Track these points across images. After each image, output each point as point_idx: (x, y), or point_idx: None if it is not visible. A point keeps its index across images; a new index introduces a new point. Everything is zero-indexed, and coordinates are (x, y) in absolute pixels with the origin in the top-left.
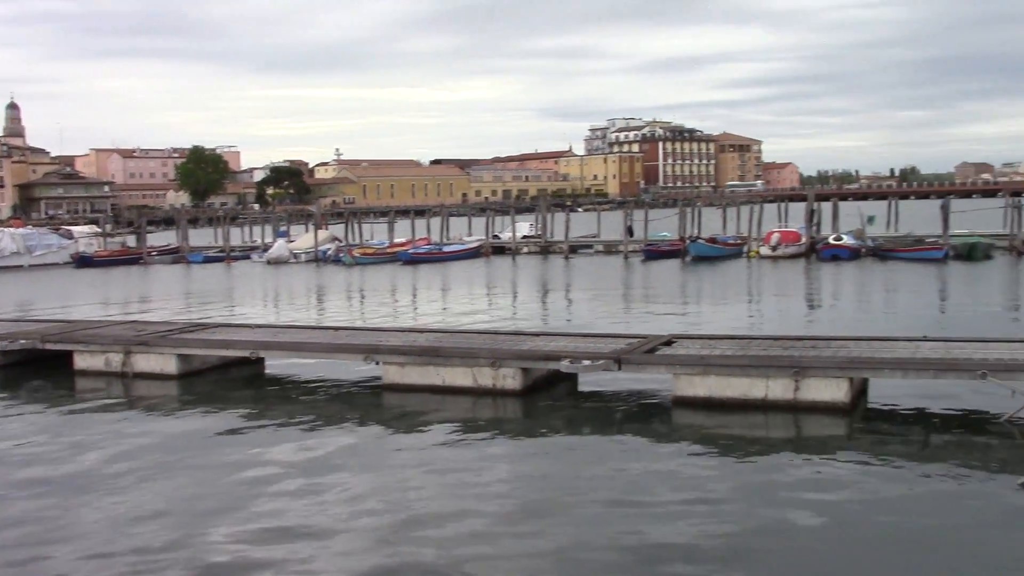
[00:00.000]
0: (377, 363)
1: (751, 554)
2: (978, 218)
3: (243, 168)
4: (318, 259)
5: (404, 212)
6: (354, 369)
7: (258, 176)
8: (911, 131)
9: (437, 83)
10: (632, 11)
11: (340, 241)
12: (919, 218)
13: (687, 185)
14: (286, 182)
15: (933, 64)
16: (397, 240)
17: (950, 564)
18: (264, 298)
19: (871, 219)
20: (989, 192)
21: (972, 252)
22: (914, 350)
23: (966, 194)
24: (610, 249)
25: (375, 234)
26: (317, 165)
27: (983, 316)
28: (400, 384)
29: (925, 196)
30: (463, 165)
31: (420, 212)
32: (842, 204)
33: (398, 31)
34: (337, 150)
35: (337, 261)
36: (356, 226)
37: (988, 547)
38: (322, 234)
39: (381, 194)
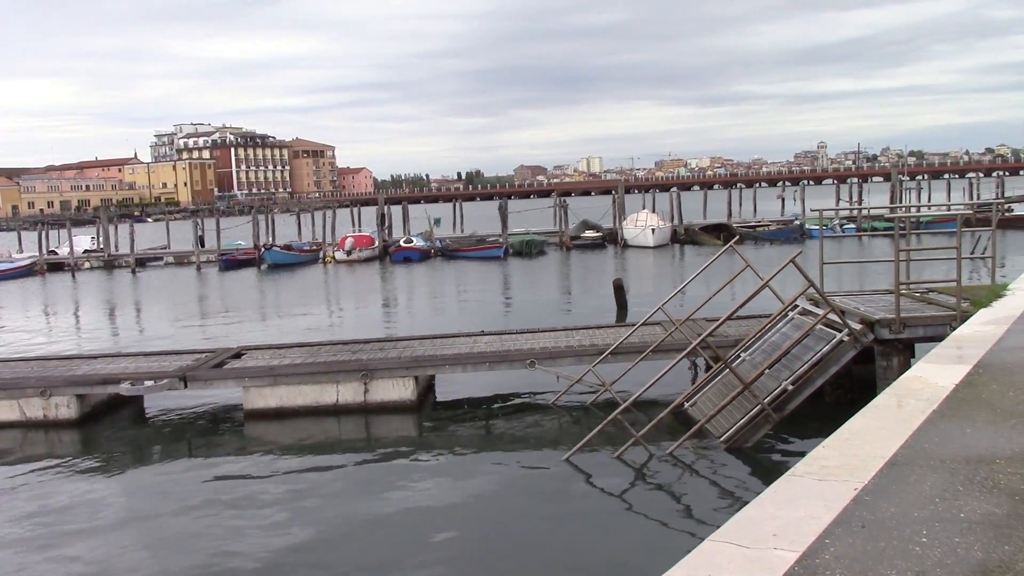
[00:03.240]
0: None
1: (334, 549)
2: (532, 217)
3: None
4: None
5: None
6: None
7: None
8: (473, 137)
9: None
10: (191, 13)
11: None
12: (483, 218)
13: (263, 192)
14: None
15: (485, 75)
16: None
17: (510, 526)
18: None
19: (438, 221)
20: (544, 193)
21: (527, 249)
22: (472, 345)
23: (525, 195)
24: (182, 261)
25: None
26: None
27: (535, 308)
28: None
29: (490, 197)
30: (11, 175)
31: None
32: (412, 207)
33: None
34: None
35: None
36: None
37: (538, 511)
38: None
39: None
